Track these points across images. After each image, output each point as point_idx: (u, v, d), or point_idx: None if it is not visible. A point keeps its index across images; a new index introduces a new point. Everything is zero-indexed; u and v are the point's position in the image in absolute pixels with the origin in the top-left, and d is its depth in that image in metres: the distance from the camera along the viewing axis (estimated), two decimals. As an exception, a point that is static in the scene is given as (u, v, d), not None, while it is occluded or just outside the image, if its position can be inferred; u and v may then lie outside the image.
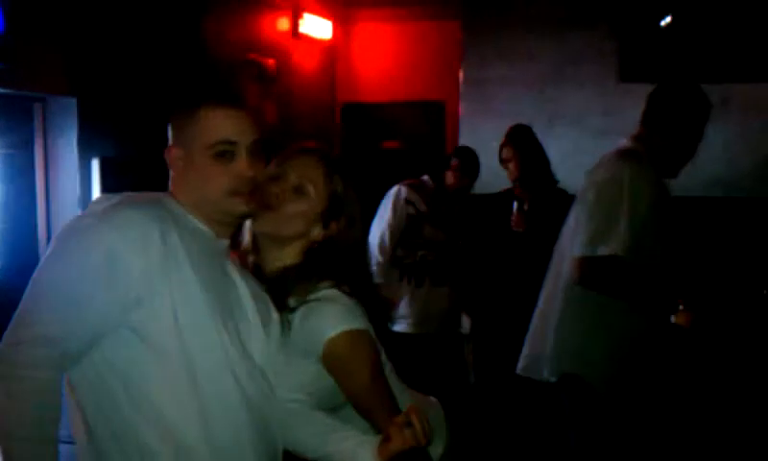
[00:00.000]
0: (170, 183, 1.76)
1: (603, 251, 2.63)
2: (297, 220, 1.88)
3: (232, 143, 1.69)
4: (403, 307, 4.03)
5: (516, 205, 4.05)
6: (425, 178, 4.16)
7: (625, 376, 2.78)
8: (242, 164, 1.70)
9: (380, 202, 4.13)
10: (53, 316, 1.50)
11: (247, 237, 1.94)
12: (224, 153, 1.69)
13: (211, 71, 4.16)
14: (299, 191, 1.89)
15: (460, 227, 4.15)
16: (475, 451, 3.77)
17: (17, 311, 1.53)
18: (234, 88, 1.58)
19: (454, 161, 4.13)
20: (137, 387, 1.57)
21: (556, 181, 4.17)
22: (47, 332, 1.49)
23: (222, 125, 1.70)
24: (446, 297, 4.08)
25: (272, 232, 1.90)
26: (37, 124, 3.67)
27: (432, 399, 2.15)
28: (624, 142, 2.92)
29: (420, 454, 1.74)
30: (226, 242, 1.78)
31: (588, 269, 2.68)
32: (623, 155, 2.83)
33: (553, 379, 2.86)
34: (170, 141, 1.75)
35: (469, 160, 4.13)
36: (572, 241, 2.77)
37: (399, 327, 4.02)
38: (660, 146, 2.84)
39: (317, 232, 1.91)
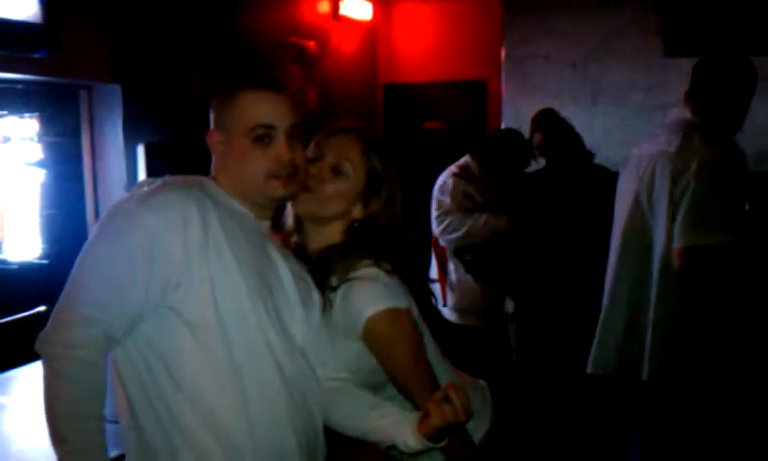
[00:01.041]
0: (212, 167, 1.79)
1: (716, 238, 2.51)
2: (336, 200, 1.89)
3: (270, 127, 1.71)
4: (462, 299, 3.98)
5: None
6: (468, 161, 4.01)
7: (724, 374, 2.67)
8: (280, 148, 1.72)
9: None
10: (96, 297, 1.55)
11: (290, 219, 1.95)
12: (262, 136, 1.71)
13: (250, 55, 4.17)
14: (336, 171, 1.89)
15: (522, 210, 4.00)
16: (517, 435, 3.76)
17: (63, 293, 1.58)
18: (273, 72, 1.59)
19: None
20: (178, 366, 1.61)
21: (592, 156, 4.11)
22: (91, 313, 1.53)
23: (260, 109, 1.72)
24: (497, 287, 4.03)
25: (312, 214, 1.91)
26: (84, 111, 3.73)
27: (481, 381, 2.14)
28: (679, 114, 2.81)
29: (459, 430, 1.74)
30: (266, 224, 1.80)
31: (700, 259, 2.54)
32: (697, 128, 2.69)
33: (646, 378, 2.71)
34: (211, 125, 1.78)
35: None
36: (659, 230, 2.64)
37: (455, 317, 3.97)
38: (711, 119, 2.74)
39: (357, 211, 1.92)
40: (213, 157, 1.79)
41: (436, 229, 3.92)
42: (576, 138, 4.09)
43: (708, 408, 2.70)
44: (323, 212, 1.90)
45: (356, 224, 1.91)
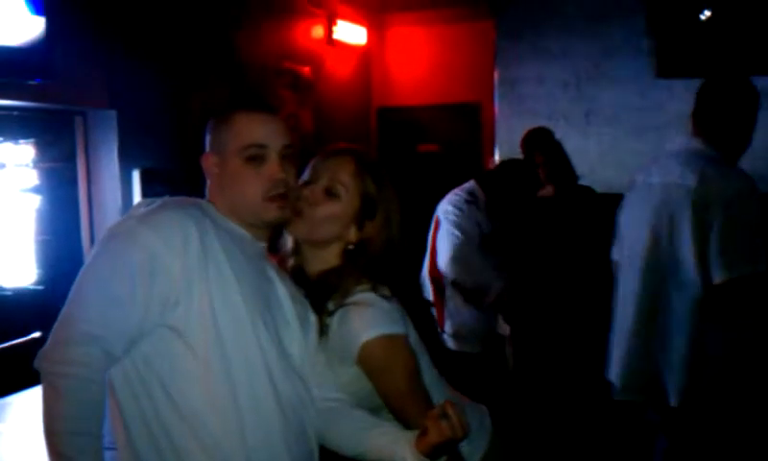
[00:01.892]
0: (207, 190, 1.80)
1: (760, 266, 2.55)
2: (328, 223, 1.88)
3: (263, 146, 1.73)
4: (461, 327, 3.92)
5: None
6: (474, 187, 3.85)
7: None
8: (273, 167, 1.73)
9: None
10: (96, 315, 1.55)
11: (289, 242, 1.95)
12: (255, 156, 1.72)
13: (244, 79, 4.20)
14: (329, 193, 1.88)
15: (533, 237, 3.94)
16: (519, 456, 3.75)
17: (63, 310, 1.58)
18: (264, 95, 1.61)
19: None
20: (174, 386, 1.60)
21: (577, 178, 4.12)
22: (90, 330, 1.53)
23: (252, 129, 1.74)
24: (494, 312, 3.98)
25: (305, 237, 1.90)
26: (79, 137, 3.74)
27: (482, 406, 2.13)
28: (687, 143, 2.79)
29: (455, 450, 1.74)
30: (263, 245, 1.80)
31: (747, 288, 2.58)
32: (711, 159, 2.69)
33: (675, 405, 2.73)
34: (206, 149, 1.80)
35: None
36: (685, 265, 2.64)
37: (453, 343, 3.92)
38: (722, 146, 2.74)
39: (352, 234, 1.90)
40: (208, 180, 1.80)
41: (445, 256, 3.75)
42: (568, 160, 4.11)
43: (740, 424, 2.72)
44: (315, 235, 1.90)
45: (352, 247, 1.91)
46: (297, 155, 1.81)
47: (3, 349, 3.13)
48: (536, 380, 4.14)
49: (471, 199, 3.83)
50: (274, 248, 1.88)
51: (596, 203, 4.06)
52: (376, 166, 1.95)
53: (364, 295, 1.83)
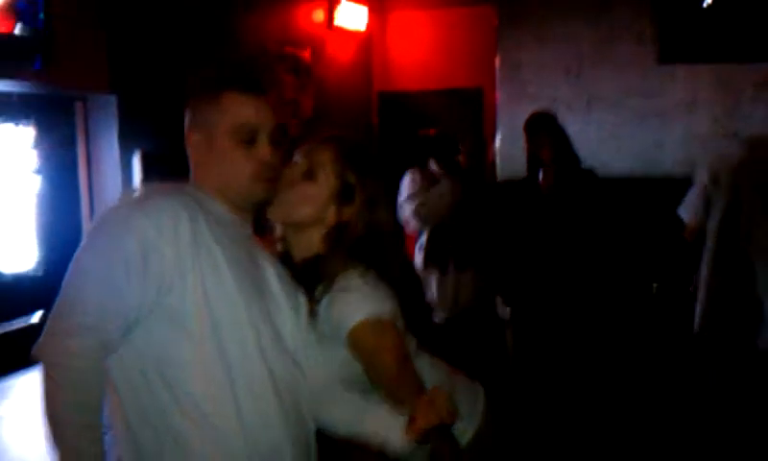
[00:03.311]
0: (191, 171, 1.79)
1: None
2: (305, 204, 1.89)
3: (254, 128, 1.73)
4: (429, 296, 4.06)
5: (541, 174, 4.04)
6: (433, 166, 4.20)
7: None
8: (264, 149, 1.74)
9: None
10: (90, 305, 1.55)
11: (278, 228, 1.97)
12: (246, 138, 1.72)
13: (234, 58, 4.19)
14: (308, 175, 1.90)
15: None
16: (513, 437, 3.77)
17: (58, 300, 1.58)
18: (256, 75, 1.61)
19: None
20: (170, 370, 1.61)
21: (580, 161, 4.13)
22: (85, 321, 1.53)
23: (244, 110, 1.73)
24: (470, 280, 4.09)
25: (282, 218, 1.92)
26: (79, 121, 3.74)
27: (477, 384, 2.16)
28: None
29: (445, 432, 1.75)
30: (249, 226, 1.81)
31: None
32: None
33: None
34: (187, 127, 1.78)
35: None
36: None
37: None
38: None
39: (330, 216, 1.91)
40: (192, 161, 1.79)
41: (406, 211, 4.04)
42: (571, 143, 4.12)
43: None
44: (291, 217, 1.91)
45: (332, 231, 1.92)
46: (285, 137, 1.81)
47: (3, 332, 3.13)
48: (536, 366, 4.15)
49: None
50: (260, 230, 1.89)
51: (599, 186, 4.06)
52: (358, 151, 1.97)
53: (351, 280, 1.85)
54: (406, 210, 4.03)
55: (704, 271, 3.23)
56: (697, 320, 3.25)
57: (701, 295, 3.23)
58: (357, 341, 1.82)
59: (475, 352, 3.86)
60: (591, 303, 3.94)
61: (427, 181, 4.09)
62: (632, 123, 5.18)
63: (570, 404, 3.98)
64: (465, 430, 1.96)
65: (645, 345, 4.00)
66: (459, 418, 1.74)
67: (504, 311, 4.26)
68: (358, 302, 1.83)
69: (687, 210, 3.31)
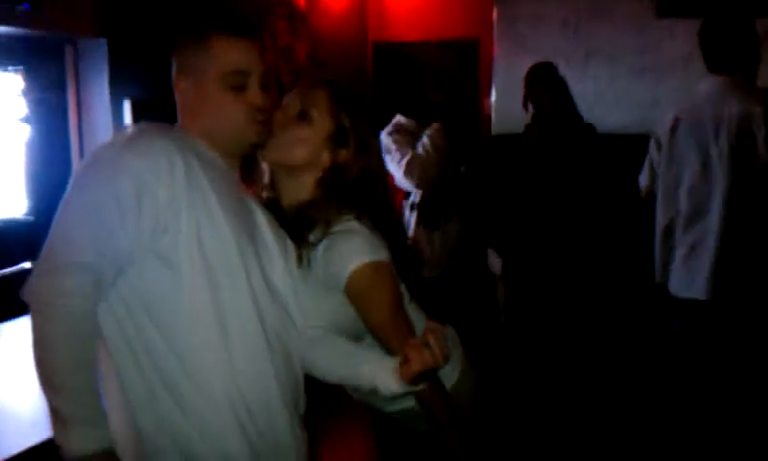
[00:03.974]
0: (179, 116, 1.76)
1: None
2: (300, 146, 1.88)
3: (245, 73, 1.70)
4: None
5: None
6: (402, 120, 4.13)
7: None
8: (255, 94, 1.71)
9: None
10: (85, 243, 1.52)
11: (266, 175, 1.95)
12: (236, 83, 1.69)
13: (224, 2, 4.11)
14: (302, 117, 1.88)
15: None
16: (504, 389, 3.79)
17: (48, 240, 1.55)
18: (245, 17, 1.58)
19: None
20: (162, 316, 1.60)
21: (581, 117, 4.10)
22: (81, 259, 1.51)
23: (233, 54, 1.70)
24: (455, 233, 4.08)
25: (277, 160, 1.90)
26: (69, 66, 3.68)
27: (448, 326, 2.17)
28: (723, 79, 3.05)
29: (433, 375, 1.77)
30: (236, 172, 1.79)
31: None
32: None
33: None
34: (175, 72, 1.75)
35: None
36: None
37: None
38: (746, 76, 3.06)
39: (325, 159, 1.90)
40: (180, 106, 1.76)
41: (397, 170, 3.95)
42: (571, 97, 4.09)
43: None
44: (286, 159, 1.90)
45: (327, 174, 1.89)
46: (277, 81, 1.79)
47: (-7, 278, 3.12)
48: (527, 321, 4.17)
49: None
50: (248, 177, 1.88)
51: (596, 141, 4.04)
52: (352, 95, 1.95)
53: (348, 224, 1.85)
54: (399, 173, 3.95)
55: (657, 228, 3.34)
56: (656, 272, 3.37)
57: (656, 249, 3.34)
58: (356, 283, 1.82)
59: (466, 307, 3.87)
60: (584, 259, 3.94)
61: (409, 137, 4.02)
62: (629, 78, 5.13)
63: (562, 359, 4.00)
64: (450, 372, 1.98)
65: (639, 300, 4.01)
66: (449, 361, 1.74)
67: (496, 265, 4.26)
68: (359, 245, 1.83)
69: (642, 176, 3.42)
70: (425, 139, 3.96)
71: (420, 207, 4.02)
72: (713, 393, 3.15)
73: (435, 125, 4.01)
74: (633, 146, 4.41)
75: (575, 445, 3.74)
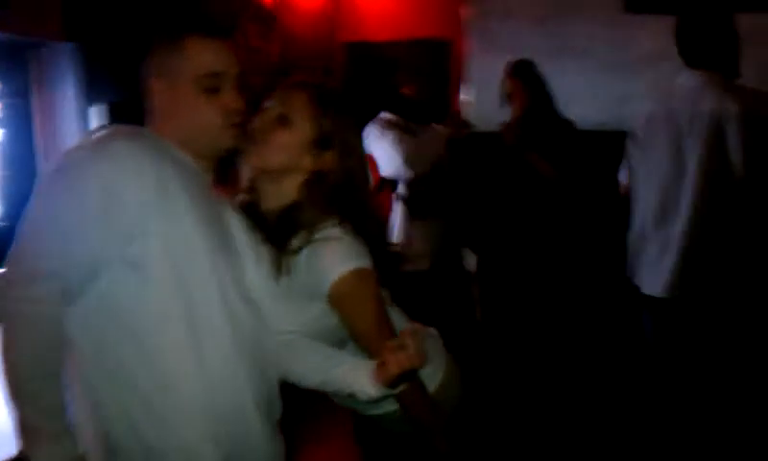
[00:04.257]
0: (150, 118, 1.73)
1: None
2: (281, 151, 1.84)
3: (220, 75, 1.68)
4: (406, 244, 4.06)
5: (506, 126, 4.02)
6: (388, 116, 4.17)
7: None
8: (230, 96, 1.69)
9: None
10: (52, 250, 1.49)
11: (245, 178, 1.93)
12: (210, 86, 1.67)
13: (196, 4, 4.08)
14: (282, 121, 1.85)
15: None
16: (480, 387, 3.79)
17: (15, 246, 1.52)
18: (217, 19, 1.56)
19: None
20: (132, 321, 1.57)
21: (556, 112, 4.12)
22: (47, 266, 1.48)
23: (208, 56, 1.68)
24: (441, 227, 4.10)
25: (258, 165, 1.88)
26: (34, 71, 3.62)
27: (431, 329, 2.16)
28: (701, 75, 3.02)
29: (413, 376, 1.76)
30: (209, 176, 1.77)
31: None
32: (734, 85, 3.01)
33: None
34: (147, 74, 1.72)
35: None
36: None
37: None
38: (726, 71, 3.03)
39: (307, 164, 1.86)
40: (152, 108, 1.73)
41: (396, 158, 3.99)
42: (550, 94, 4.10)
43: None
44: (267, 164, 1.87)
45: (311, 178, 1.87)
46: (246, 83, 1.77)
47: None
48: (502, 319, 4.17)
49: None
50: (224, 180, 1.85)
51: (573, 137, 4.06)
52: (333, 96, 1.91)
53: (331, 230, 1.82)
54: (396, 158, 3.98)
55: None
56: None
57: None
58: (341, 291, 1.79)
59: (449, 304, 3.88)
60: (559, 257, 3.95)
61: (402, 131, 4.05)
62: (599, 73, 5.15)
63: (538, 357, 4.00)
64: (431, 375, 1.96)
65: (614, 297, 4.02)
66: (428, 361, 1.73)
67: (471, 263, 4.27)
68: (343, 252, 1.80)
69: (621, 172, 3.43)
70: (424, 138, 4.05)
71: (407, 199, 4.04)
72: (684, 390, 3.15)
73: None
74: (605, 142, 4.43)
75: (553, 441, 3.75)
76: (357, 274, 1.80)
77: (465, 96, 5.60)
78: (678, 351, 3.14)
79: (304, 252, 1.81)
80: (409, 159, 3.96)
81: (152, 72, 1.72)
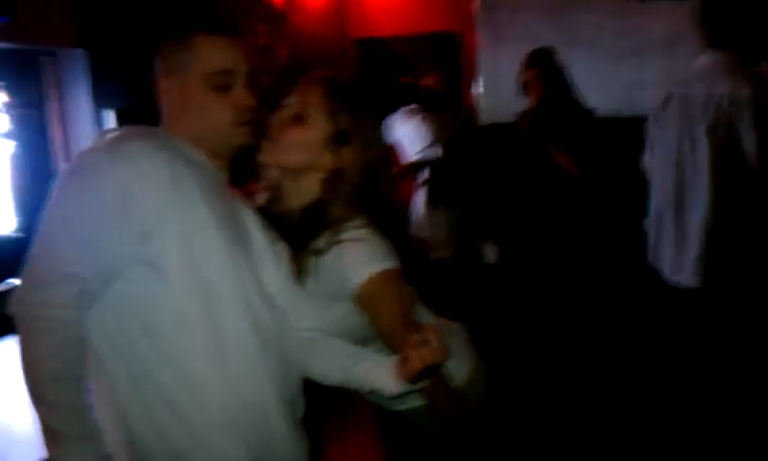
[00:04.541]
0: (162, 118, 1.73)
1: None
2: (297, 148, 1.83)
3: (230, 73, 1.67)
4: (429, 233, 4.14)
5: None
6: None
7: None
8: (241, 93, 1.68)
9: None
10: (70, 254, 1.49)
11: (269, 176, 1.92)
12: (221, 83, 1.66)
13: (202, 1, 4.08)
14: (298, 119, 1.84)
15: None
16: (503, 380, 3.78)
17: (33, 251, 1.51)
18: (227, 16, 1.55)
19: None
20: (153, 323, 1.56)
21: (576, 101, 4.09)
22: (65, 271, 1.48)
23: (218, 54, 1.67)
24: (460, 220, 4.13)
25: (275, 163, 1.86)
26: (48, 79, 3.63)
27: (456, 324, 2.15)
28: (716, 57, 3.00)
29: (437, 371, 1.74)
30: (223, 174, 1.76)
31: None
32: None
33: None
34: (157, 74, 1.71)
35: None
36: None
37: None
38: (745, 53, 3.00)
39: (326, 160, 1.85)
40: (163, 108, 1.73)
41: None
42: (569, 83, 4.09)
43: None
44: (285, 163, 1.86)
45: (330, 177, 1.86)
46: (257, 80, 1.76)
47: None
48: (523, 310, 4.16)
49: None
50: (239, 179, 1.85)
51: (591, 126, 4.03)
52: (349, 92, 1.89)
53: (357, 231, 1.81)
54: (424, 136, 4.26)
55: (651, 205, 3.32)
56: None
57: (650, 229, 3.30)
58: (368, 292, 1.79)
59: (462, 297, 3.87)
60: (578, 248, 3.94)
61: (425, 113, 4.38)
62: (610, 61, 5.13)
63: (559, 349, 3.99)
64: (458, 368, 1.95)
65: (634, 285, 4.00)
66: (451, 356, 1.72)
67: (491, 256, 4.27)
68: (370, 254, 1.80)
69: (644, 157, 3.40)
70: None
71: (431, 182, 4.15)
72: (707, 381, 3.12)
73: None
74: (619, 129, 4.41)
75: (575, 434, 3.73)
76: (384, 275, 1.79)
77: (476, 88, 5.59)
78: (698, 338, 3.12)
79: (331, 252, 1.80)
80: (435, 136, 4.20)
81: (161, 71, 1.71)
